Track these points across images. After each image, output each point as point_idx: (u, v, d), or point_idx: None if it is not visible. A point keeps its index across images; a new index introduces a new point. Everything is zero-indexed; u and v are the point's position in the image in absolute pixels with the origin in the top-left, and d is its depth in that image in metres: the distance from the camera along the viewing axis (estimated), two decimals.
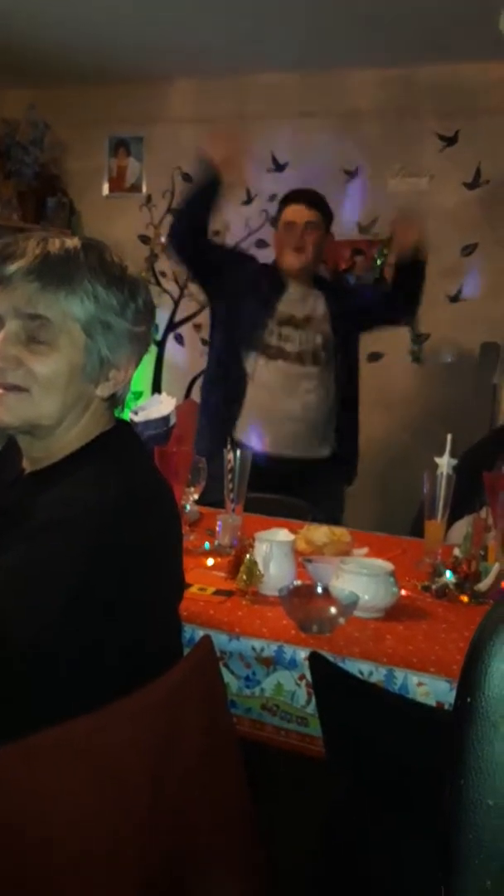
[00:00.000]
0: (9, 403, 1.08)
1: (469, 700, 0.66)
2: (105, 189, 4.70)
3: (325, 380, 2.78)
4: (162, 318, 4.58)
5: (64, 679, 1.01)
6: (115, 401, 1.17)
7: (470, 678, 0.67)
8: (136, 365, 1.17)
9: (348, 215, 4.13)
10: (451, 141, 3.95)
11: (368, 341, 4.14)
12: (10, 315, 1.07)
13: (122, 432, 1.19)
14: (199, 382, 4.48)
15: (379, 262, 4.12)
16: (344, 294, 2.93)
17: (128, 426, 1.24)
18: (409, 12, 3.31)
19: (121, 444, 1.16)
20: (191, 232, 2.79)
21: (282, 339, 2.76)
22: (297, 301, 2.80)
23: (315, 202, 2.81)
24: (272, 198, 4.19)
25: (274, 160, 4.28)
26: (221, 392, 2.80)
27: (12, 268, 1.06)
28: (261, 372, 2.75)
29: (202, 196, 2.77)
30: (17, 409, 1.09)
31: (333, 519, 2.46)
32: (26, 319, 1.07)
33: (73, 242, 1.11)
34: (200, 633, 1.34)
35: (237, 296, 2.80)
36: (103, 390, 1.13)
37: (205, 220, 2.79)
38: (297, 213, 2.77)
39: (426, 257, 2.93)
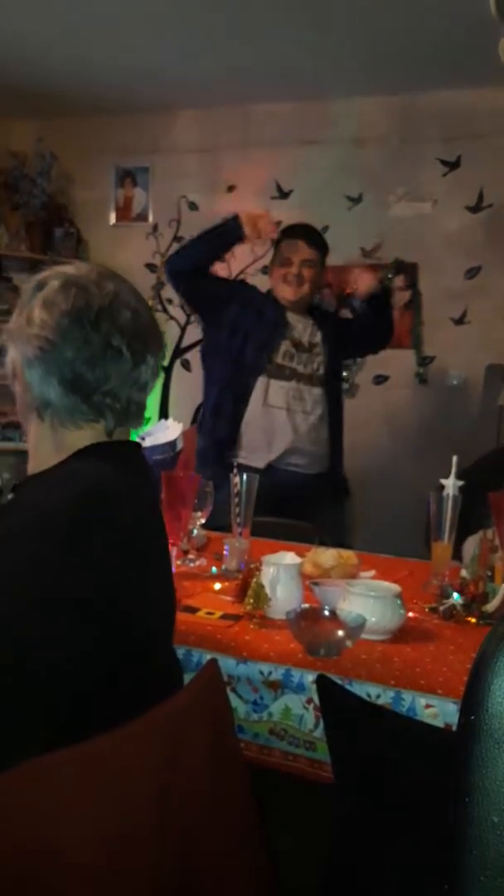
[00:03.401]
0: None
1: (472, 718, 0.66)
2: (112, 218, 4.76)
3: (324, 402, 2.88)
4: (169, 345, 4.62)
5: (45, 694, 1.00)
6: (41, 408, 1.14)
7: (473, 696, 0.67)
8: (56, 387, 1.12)
9: (352, 240, 4.17)
10: (453, 166, 3.99)
11: (374, 364, 4.18)
12: None
13: (108, 446, 1.15)
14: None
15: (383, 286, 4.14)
16: (331, 325, 3.01)
17: (122, 442, 1.19)
18: (409, 40, 3.37)
19: (91, 453, 1.13)
20: (191, 270, 2.83)
21: (294, 361, 2.84)
22: (301, 328, 2.89)
23: (312, 240, 2.87)
24: (277, 225, 4.23)
25: (278, 187, 4.33)
26: (228, 417, 2.82)
27: None
28: (273, 392, 2.81)
29: (216, 246, 2.82)
30: None
31: (336, 534, 2.48)
32: None
33: (45, 276, 1.16)
34: (208, 657, 1.34)
35: (238, 323, 2.84)
36: (26, 401, 1.18)
37: (209, 264, 2.85)
38: (296, 250, 2.83)
39: (385, 292, 3.04)
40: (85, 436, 1.14)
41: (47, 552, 0.97)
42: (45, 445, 1.15)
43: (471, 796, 0.64)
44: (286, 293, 2.84)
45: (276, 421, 2.81)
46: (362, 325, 3.04)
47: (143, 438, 1.99)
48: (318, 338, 2.91)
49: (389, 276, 4.12)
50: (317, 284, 2.91)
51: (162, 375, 4.59)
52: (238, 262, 4.36)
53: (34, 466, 1.16)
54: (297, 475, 2.82)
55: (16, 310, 1.14)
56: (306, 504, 2.71)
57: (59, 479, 1.08)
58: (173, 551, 1.75)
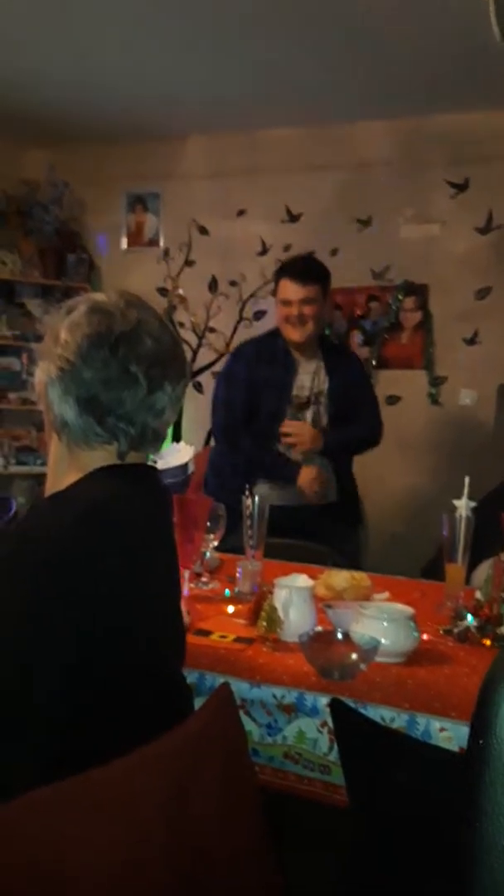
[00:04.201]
0: None
1: (481, 742, 0.67)
2: (123, 244, 4.81)
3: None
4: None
5: (48, 716, 1.00)
6: (60, 428, 1.17)
7: (481, 720, 0.68)
8: (52, 383, 1.15)
9: (362, 263, 4.20)
10: (461, 187, 4.02)
11: (387, 385, 4.19)
12: None
13: (120, 469, 1.17)
14: None
15: (394, 307, 4.17)
16: (344, 367, 2.94)
17: (136, 465, 1.20)
18: (415, 64, 3.41)
19: (100, 476, 1.15)
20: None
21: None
22: (308, 379, 2.85)
23: (308, 275, 2.76)
24: (287, 248, 4.28)
25: (287, 211, 4.37)
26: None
27: None
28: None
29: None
30: None
31: (352, 560, 2.48)
32: None
33: (76, 303, 1.20)
34: (221, 680, 1.34)
35: (255, 398, 2.84)
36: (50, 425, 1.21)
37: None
38: (291, 289, 2.75)
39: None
40: (98, 457, 1.16)
41: (41, 576, 0.99)
42: (62, 465, 1.19)
43: (480, 821, 0.64)
44: (291, 335, 2.79)
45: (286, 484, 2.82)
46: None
47: (155, 462, 2.00)
48: (325, 384, 2.85)
49: (400, 297, 4.15)
50: (322, 319, 2.83)
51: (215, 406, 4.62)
52: (249, 285, 4.40)
53: (50, 485, 1.19)
54: (308, 508, 2.81)
55: (46, 332, 1.18)
56: (319, 533, 2.70)
57: (60, 503, 1.10)
58: (186, 574, 1.76)
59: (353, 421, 2.92)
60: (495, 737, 0.66)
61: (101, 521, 1.06)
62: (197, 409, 4.63)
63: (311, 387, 2.86)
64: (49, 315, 1.20)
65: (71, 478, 1.16)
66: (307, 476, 2.79)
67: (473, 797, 0.66)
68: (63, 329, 1.14)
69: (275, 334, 2.90)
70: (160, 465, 1.99)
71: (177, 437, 4.57)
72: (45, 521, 1.06)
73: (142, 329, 1.15)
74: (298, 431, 2.81)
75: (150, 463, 1.28)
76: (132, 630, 1.07)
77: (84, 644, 1.00)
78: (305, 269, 2.82)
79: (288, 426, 2.81)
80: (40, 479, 1.24)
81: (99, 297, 1.18)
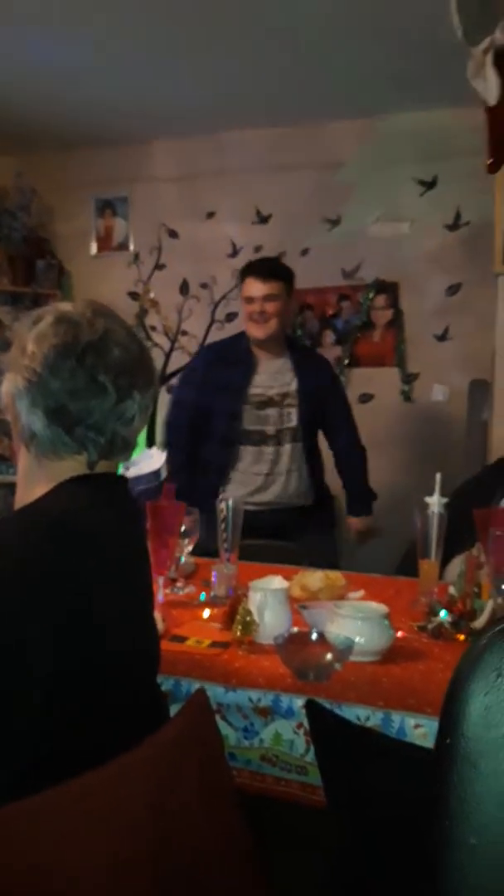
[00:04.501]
0: None
1: (448, 741, 0.67)
2: (93, 249, 4.79)
3: (300, 455, 2.88)
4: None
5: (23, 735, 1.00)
6: (27, 439, 1.16)
7: (448, 719, 0.68)
8: (42, 418, 1.13)
9: (333, 262, 4.22)
10: (430, 185, 4.05)
11: (360, 383, 4.20)
12: None
13: (88, 479, 1.16)
14: None
15: (365, 305, 4.19)
16: (313, 369, 2.96)
17: (105, 476, 1.18)
18: (381, 64, 3.43)
19: (68, 487, 1.14)
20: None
21: (261, 423, 2.83)
22: (271, 378, 2.86)
23: (270, 273, 2.82)
24: (258, 249, 4.28)
25: (257, 212, 4.38)
26: (213, 472, 2.84)
27: None
28: (246, 458, 2.84)
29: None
30: None
31: (329, 560, 2.48)
32: None
33: (44, 311, 1.19)
34: (197, 686, 1.34)
35: (210, 398, 2.87)
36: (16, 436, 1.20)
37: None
38: (253, 287, 2.79)
39: None
40: (67, 467, 1.15)
41: (7, 592, 0.98)
42: (31, 476, 1.18)
43: (449, 819, 0.65)
44: (254, 332, 2.82)
45: (253, 481, 2.84)
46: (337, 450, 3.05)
47: (127, 469, 1.99)
48: (293, 386, 2.85)
49: (370, 295, 4.16)
50: (286, 316, 2.85)
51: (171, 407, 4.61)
52: (220, 288, 4.40)
53: (20, 498, 1.18)
54: (282, 510, 2.84)
55: (13, 343, 1.17)
56: (293, 535, 2.71)
57: (26, 517, 1.09)
58: (161, 580, 1.75)
59: (328, 429, 2.97)
60: (462, 736, 0.66)
61: (69, 535, 1.05)
62: None
63: (275, 386, 2.85)
64: (17, 324, 1.19)
65: (40, 489, 1.14)
66: (362, 526, 3.05)
67: (441, 795, 0.67)
68: (30, 340, 1.13)
69: (241, 335, 2.93)
70: (133, 471, 1.99)
71: (150, 443, 4.57)
72: (11, 536, 1.04)
73: (109, 338, 1.14)
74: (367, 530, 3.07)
75: (121, 471, 1.28)
76: (102, 642, 1.06)
77: (55, 657, 0.99)
78: (268, 267, 2.89)
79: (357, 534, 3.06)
80: (12, 488, 1.23)
81: (65, 307, 1.17)
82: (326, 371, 3.07)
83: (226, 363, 2.90)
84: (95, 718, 1.05)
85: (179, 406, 2.95)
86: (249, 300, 2.80)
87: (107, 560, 1.10)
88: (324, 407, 2.92)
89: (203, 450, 2.87)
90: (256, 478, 2.84)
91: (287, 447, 2.84)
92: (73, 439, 1.13)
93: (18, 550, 1.01)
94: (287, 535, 2.67)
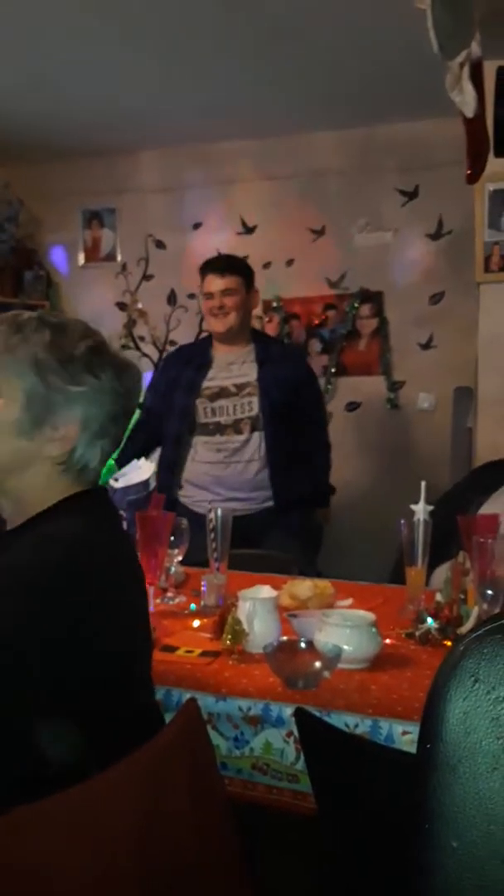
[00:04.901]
0: None
1: (428, 746, 0.69)
2: (81, 260, 4.81)
3: (260, 445, 2.84)
4: (143, 382, 4.65)
5: (23, 745, 1.02)
6: (73, 463, 1.19)
7: (428, 725, 0.70)
8: (92, 429, 1.19)
9: (318, 272, 4.25)
10: (412, 195, 4.09)
11: (346, 391, 4.24)
12: None
13: (87, 496, 1.21)
14: None
15: (351, 314, 4.22)
16: (280, 359, 2.95)
17: (99, 491, 1.25)
18: (363, 75, 3.47)
19: (76, 507, 1.18)
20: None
21: (216, 414, 2.85)
22: (226, 370, 2.89)
23: (228, 268, 2.88)
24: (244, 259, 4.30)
25: (243, 223, 4.41)
26: (169, 469, 2.90)
27: None
28: (200, 449, 2.85)
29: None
30: None
31: (310, 563, 2.50)
32: None
33: (29, 314, 1.20)
34: (188, 695, 1.35)
35: (166, 398, 2.93)
36: (49, 449, 1.17)
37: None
38: (212, 282, 2.86)
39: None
40: (81, 481, 1.22)
41: (27, 613, 1.01)
42: (49, 487, 1.21)
43: (430, 822, 0.66)
44: (214, 326, 2.89)
45: (210, 470, 2.84)
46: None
47: (116, 479, 2.01)
48: (252, 376, 2.85)
49: (356, 305, 4.20)
50: (244, 310, 2.89)
51: (138, 413, 4.63)
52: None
53: (26, 509, 1.20)
54: (241, 518, 2.73)
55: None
56: (260, 541, 2.71)
57: (47, 538, 1.12)
58: (151, 590, 1.77)
59: (298, 425, 2.89)
60: (442, 741, 0.68)
61: (86, 566, 1.09)
62: None
63: (231, 377, 2.87)
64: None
65: (51, 495, 1.18)
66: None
67: (423, 799, 0.68)
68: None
69: (208, 336, 3.01)
70: (122, 482, 2.01)
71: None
72: (36, 561, 1.07)
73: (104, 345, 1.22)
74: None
75: (110, 482, 1.31)
76: (104, 652, 1.09)
77: (60, 675, 1.02)
78: (225, 262, 2.96)
79: None
80: None
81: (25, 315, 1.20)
82: (298, 362, 3.09)
83: (183, 362, 2.99)
84: (96, 736, 1.07)
85: (142, 410, 2.98)
86: (209, 296, 2.87)
87: (117, 583, 1.15)
88: (295, 398, 2.89)
89: (161, 450, 2.94)
90: (213, 466, 2.84)
91: (248, 436, 2.83)
92: (103, 460, 1.21)
93: (41, 577, 1.04)
94: (255, 540, 2.67)
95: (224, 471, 2.84)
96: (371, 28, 3.04)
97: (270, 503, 2.85)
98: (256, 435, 2.84)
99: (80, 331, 1.21)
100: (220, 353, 2.92)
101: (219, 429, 2.84)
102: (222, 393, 2.86)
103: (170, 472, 2.87)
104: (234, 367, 2.89)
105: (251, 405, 2.84)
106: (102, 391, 1.18)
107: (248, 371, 2.87)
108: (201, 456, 2.85)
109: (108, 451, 1.22)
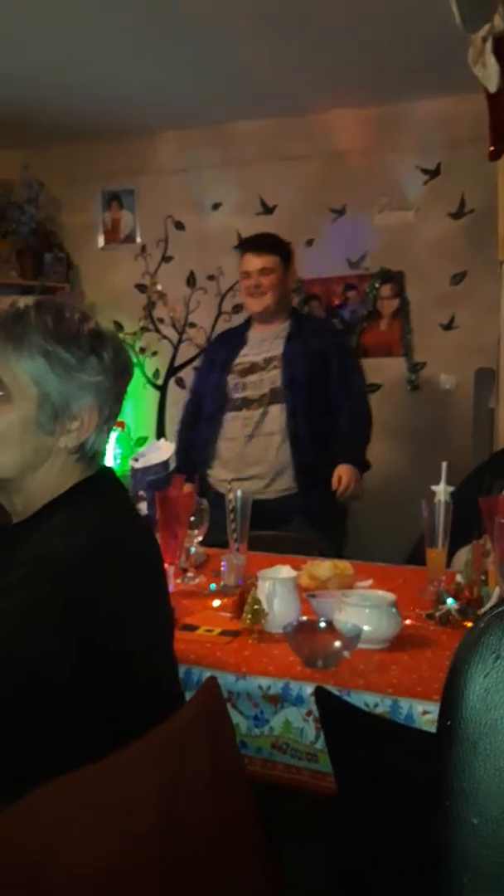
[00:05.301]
0: None
1: (449, 723, 0.68)
2: (100, 242, 4.80)
3: (281, 419, 2.82)
4: (163, 364, 4.66)
5: (50, 729, 1.03)
6: (86, 450, 1.18)
7: (449, 702, 0.69)
8: (105, 416, 1.18)
9: (338, 252, 4.21)
10: (433, 173, 4.03)
11: (367, 372, 4.19)
12: None
13: (99, 481, 1.20)
14: None
15: (371, 295, 4.18)
16: (310, 332, 2.93)
17: (107, 473, 1.24)
18: (383, 52, 3.42)
19: (92, 491, 1.18)
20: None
21: (245, 389, 2.86)
22: (258, 346, 2.91)
23: (266, 247, 2.88)
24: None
25: (262, 203, 4.38)
26: (200, 448, 2.94)
27: None
28: (228, 424, 2.87)
29: None
30: None
31: (337, 547, 2.50)
32: None
33: (25, 301, 1.16)
34: (208, 674, 1.36)
35: (206, 380, 3.01)
36: (66, 441, 1.16)
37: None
38: (249, 261, 2.88)
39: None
40: (71, 456, 1.21)
41: (58, 600, 1.02)
42: (64, 472, 1.21)
43: (450, 800, 0.66)
44: (251, 305, 2.92)
45: (232, 452, 2.87)
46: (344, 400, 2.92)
47: (136, 460, 2.01)
48: (279, 350, 2.86)
49: (376, 285, 4.16)
50: (281, 290, 2.89)
51: (157, 394, 4.64)
52: (226, 279, 4.41)
53: (40, 492, 1.19)
54: (263, 501, 2.71)
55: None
56: (302, 523, 2.72)
57: (70, 524, 1.11)
58: (171, 570, 1.77)
59: (327, 399, 2.85)
60: (462, 718, 0.68)
61: (115, 549, 1.10)
62: (180, 405, 4.64)
63: (262, 352, 2.89)
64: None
65: (56, 474, 1.17)
66: (345, 474, 2.80)
67: (443, 777, 0.68)
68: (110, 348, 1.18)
69: (249, 317, 3.03)
70: (141, 462, 2.01)
71: (161, 432, 4.59)
72: (70, 547, 1.06)
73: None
74: (345, 478, 2.80)
75: (130, 463, 1.31)
76: (133, 636, 1.10)
77: (100, 653, 1.04)
78: (263, 241, 2.95)
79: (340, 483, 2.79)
80: None
81: (21, 301, 1.17)
82: (325, 335, 3.05)
83: (222, 343, 3.05)
84: (129, 708, 1.09)
85: (191, 394, 3.12)
86: (246, 274, 2.89)
87: (140, 566, 1.16)
88: (322, 370, 2.86)
89: (198, 429, 2.98)
90: (236, 443, 2.85)
91: (271, 408, 2.83)
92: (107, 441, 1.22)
93: (73, 568, 1.04)
94: (288, 521, 2.68)
95: (247, 446, 2.84)
96: (391, 2, 2.99)
97: (294, 489, 2.84)
98: (277, 407, 2.83)
99: (78, 312, 1.19)
100: (257, 331, 2.95)
101: (245, 403, 2.86)
102: (252, 368, 2.88)
103: (203, 451, 2.90)
104: (265, 344, 2.91)
105: (274, 378, 2.85)
106: (107, 373, 1.17)
107: (278, 346, 2.89)
108: (228, 432, 2.87)
109: (111, 430, 1.22)
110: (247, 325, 3.02)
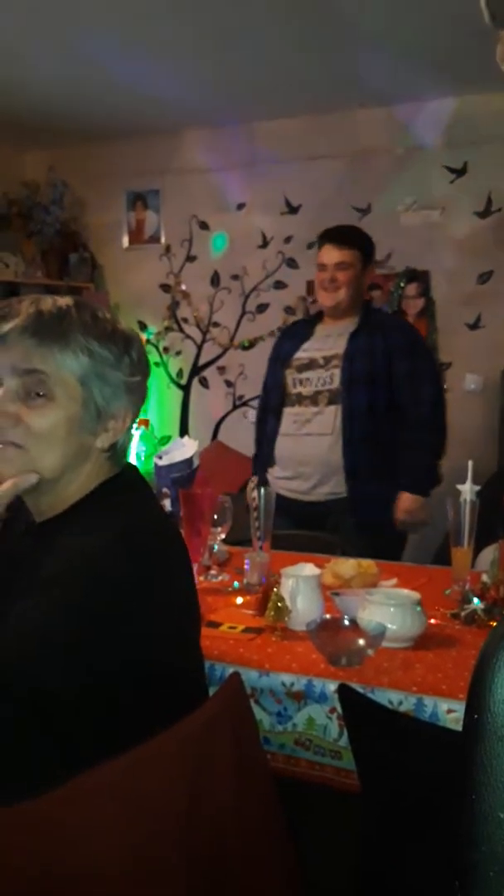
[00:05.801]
0: (9, 457, 1.11)
1: (476, 717, 0.67)
2: (125, 242, 4.82)
3: (335, 419, 2.69)
4: (186, 363, 4.67)
5: (78, 726, 1.03)
6: (115, 450, 1.19)
7: (475, 696, 0.68)
8: (134, 415, 1.19)
9: None
10: (460, 172, 4.01)
11: None
12: (7, 373, 1.10)
13: (125, 478, 1.20)
14: (225, 424, 4.55)
15: (396, 294, 4.17)
16: (379, 330, 2.75)
17: (132, 471, 1.24)
18: (408, 50, 3.40)
19: (120, 490, 1.18)
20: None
21: (302, 385, 2.77)
22: (321, 342, 2.79)
23: (346, 241, 2.75)
24: (287, 240, 4.29)
25: (287, 203, 4.37)
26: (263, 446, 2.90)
27: (7, 327, 1.09)
28: (285, 421, 2.79)
29: None
30: (17, 463, 1.11)
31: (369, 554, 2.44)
32: (24, 375, 1.10)
33: (65, 301, 1.15)
34: (231, 670, 1.36)
35: (269, 377, 2.94)
36: (103, 441, 1.15)
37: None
38: (327, 253, 2.74)
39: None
40: (102, 454, 1.22)
41: (86, 598, 1.03)
42: (94, 475, 1.22)
43: (477, 793, 0.65)
44: (322, 299, 2.79)
45: (283, 448, 2.78)
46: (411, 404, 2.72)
47: (160, 457, 2.02)
48: (342, 348, 2.71)
49: (402, 284, 4.14)
50: (357, 285, 2.75)
51: (181, 394, 4.65)
52: (251, 279, 4.41)
53: (63, 487, 1.18)
54: (307, 504, 2.72)
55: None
56: (337, 528, 2.62)
57: (98, 523, 1.12)
58: (195, 567, 1.77)
59: (391, 403, 2.69)
60: (489, 712, 0.67)
61: (144, 553, 1.10)
62: (203, 405, 4.66)
63: (323, 349, 2.76)
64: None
65: (88, 474, 1.17)
66: (406, 505, 2.67)
67: (469, 770, 0.67)
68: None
69: (321, 310, 2.93)
70: (166, 460, 2.01)
71: (185, 431, 4.60)
72: (112, 546, 1.07)
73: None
74: (401, 511, 2.67)
75: (154, 460, 1.32)
76: (169, 632, 1.12)
77: (128, 650, 1.05)
78: (344, 233, 2.83)
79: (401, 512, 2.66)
80: None
81: (60, 300, 1.17)
82: (397, 333, 2.81)
83: (289, 336, 2.95)
84: (157, 703, 1.09)
85: (263, 390, 2.99)
86: (322, 267, 2.75)
87: (170, 563, 1.17)
88: (385, 369, 2.69)
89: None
90: (288, 438, 2.76)
91: (325, 409, 2.70)
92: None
93: (118, 576, 1.06)
94: (322, 525, 2.64)
95: (297, 444, 2.74)
96: (418, 1, 2.98)
97: (342, 493, 2.69)
98: (332, 408, 2.69)
99: (108, 312, 1.20)
100: (325, 326, 2.82)
101: (299, 399, 2.76)
102: (311, 364, 2.76)
103: (264, 447, 2.86)
104: (329, 340, 2.78)
105: (333, 378, 2.71)
106: (138, 372, 1.18)
107: (341, 344, 2.74)
108: (284, 427, 2.78)
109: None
110: (317, 317, 2.90)
